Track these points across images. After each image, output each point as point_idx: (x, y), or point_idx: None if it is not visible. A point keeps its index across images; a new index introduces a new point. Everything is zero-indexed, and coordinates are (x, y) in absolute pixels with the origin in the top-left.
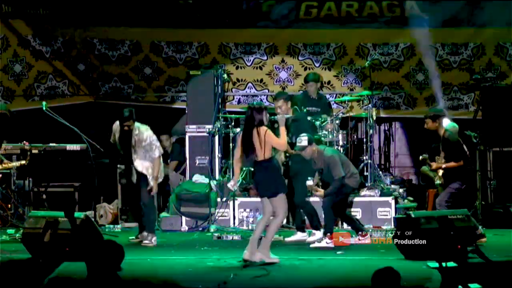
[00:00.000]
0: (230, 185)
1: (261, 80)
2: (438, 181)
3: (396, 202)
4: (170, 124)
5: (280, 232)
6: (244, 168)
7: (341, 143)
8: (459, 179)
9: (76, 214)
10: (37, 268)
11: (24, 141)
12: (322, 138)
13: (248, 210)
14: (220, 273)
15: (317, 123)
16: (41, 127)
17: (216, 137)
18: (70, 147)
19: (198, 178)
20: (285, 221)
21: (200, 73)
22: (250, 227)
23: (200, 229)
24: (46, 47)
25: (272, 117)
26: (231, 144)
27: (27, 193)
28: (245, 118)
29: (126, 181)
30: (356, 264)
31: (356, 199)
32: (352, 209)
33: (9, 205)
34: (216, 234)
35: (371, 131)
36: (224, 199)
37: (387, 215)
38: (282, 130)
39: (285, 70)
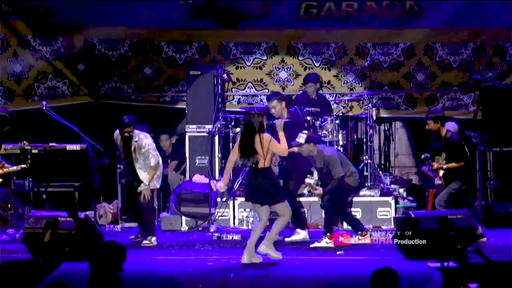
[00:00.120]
0: (219, 186)
1: (261, 80)
2: (438, 181)
3: (396, 202)
4: (170, 124)
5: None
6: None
7: (341, 143)
8: (459, 179)
9: None
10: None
11: (24, 141)
12: (322, 138)
13: (248, 210)
14: (220, 273)
15: (317, 123)
16: (41, 127)
17: (216, 137)
18: (70, 147)
19: (198, 178)
20: None
21: (200, 73)
22: (250, 227)
23: (200, 229)
24: (46, 47)
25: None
26: (231, 144)
27: (27, 193)
28: (244, 124)
29: (125, 183)
30: (356, 264)
31: (356, 199)
32: (352, 209)
33: (9, 205)
34: (216, 234)
35: (371, 131)
36: (224, 199)
37: (387, 215)
38: (281, 136)
39: (285, 70)
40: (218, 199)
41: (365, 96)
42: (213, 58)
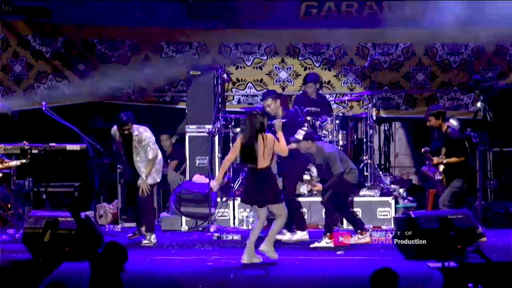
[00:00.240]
0: (212, 185)
1: (261, 80)
2: (438, 177)
3: (396, 202)
4: (170, 124)
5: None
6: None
7: (341, 143)
8: (461, 176)
9: None
10: (37, 268)
11: (24, 141)
12: (322, 138)
13: (248, 210)
14: (220, 273)
15: (317, 123)
16: (41, 127)
17: (216, 137)
18: (70, 147)
19: (198, 178)
20: None
21: (200, 73)
22: (250, 227)
23: (200, 229)
24: (46, 47)
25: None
26: (231, 144)
27: (27, 193)
28: (245, 125)
29: (125, 181)
30: (356, 264)
31: (356, 199)
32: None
33: (9, 205)
34: (216, 234)
35: (371, 131)
36: (224, 199)
37: (387, 215)
38: (281, 136)
39: (285, 70)
40: (218, 199)
41: (365, 96)
42: (213, 58)
